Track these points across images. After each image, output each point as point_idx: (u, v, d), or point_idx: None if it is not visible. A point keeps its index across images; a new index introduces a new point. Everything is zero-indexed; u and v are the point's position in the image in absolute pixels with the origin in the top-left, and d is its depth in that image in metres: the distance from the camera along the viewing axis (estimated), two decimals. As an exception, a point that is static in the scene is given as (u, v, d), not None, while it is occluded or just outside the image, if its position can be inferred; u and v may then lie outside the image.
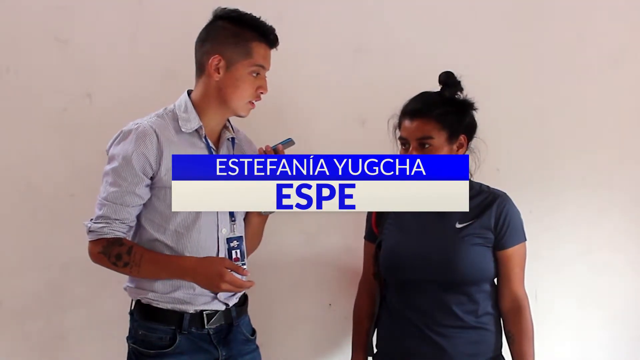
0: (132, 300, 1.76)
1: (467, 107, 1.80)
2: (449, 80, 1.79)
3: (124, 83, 2.12)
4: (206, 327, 1.71)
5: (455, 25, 2.17)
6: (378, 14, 2.16)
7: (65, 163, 2.13)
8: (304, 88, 2.15)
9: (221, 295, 1.73)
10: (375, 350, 1.91)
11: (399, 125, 1.81)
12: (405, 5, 2.17)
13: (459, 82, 1.79)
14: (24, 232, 2.13)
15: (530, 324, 1.77)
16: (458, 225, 1.76)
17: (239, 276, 1.68)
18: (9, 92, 2.11)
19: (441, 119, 1.73)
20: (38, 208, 2.13)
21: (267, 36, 1.70)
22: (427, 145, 1.73)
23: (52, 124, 2.12)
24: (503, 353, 1.82)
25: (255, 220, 1.84)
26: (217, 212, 1.72)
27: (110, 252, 1.64)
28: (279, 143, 1.77)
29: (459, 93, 1.80)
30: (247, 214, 1.84)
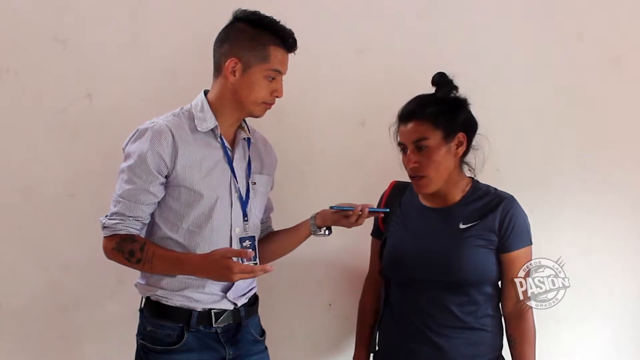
0: (142, 298, 1.76)
1: (459, 103, 1.79)
2: (441, 80, 1.78)
3: (124, 83, 2.12)
4: (214, 325, 1.72)
5: (455, 26, 2.16)
6: (378, 14, 2.16)
7: (65, 163, 2.12)
8: (304, 88, 2.15)
9: (230, 295, 1.74)
10: (377, 348, 1.91)
11: (398, 131, 1.80)
12: (405, 5, 2.17)
13: (451, 81, 1.78)
14: (24, 232, 2.13)
15: (532, 328, 1.76)
16: (461, 226, 1.75)
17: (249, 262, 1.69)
18: (9, 92, 2.11)
19: (433, 118, 1.73)
20: (38, 208, 2.12)
21: (285, 40, 1.70)
22: (423, 147, 1.73)
23: (52, 124, 2.12)
24: (504, 354, 1.82)
25: (303, 236, 1.87)
26: (231, 211, 1.73)
27: (123, 248, 1.65)
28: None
29: (454, 92, 1.79)
30: (298, 228, 1.87)
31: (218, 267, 1.62)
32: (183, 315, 1.70)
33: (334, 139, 2.18)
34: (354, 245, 2.08)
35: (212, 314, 1.72)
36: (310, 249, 1.96)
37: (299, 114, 2.16)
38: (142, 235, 1.72)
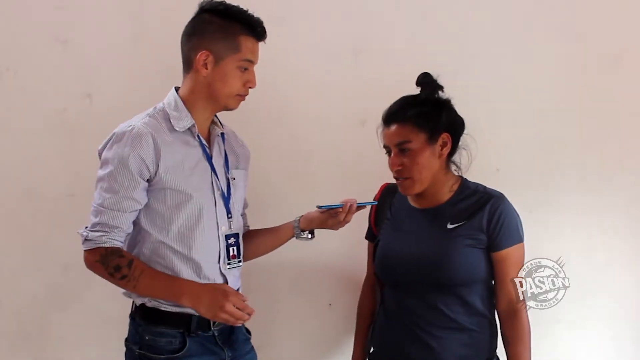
0: (132, 304, 1.73)
1: (442, 104, 1.78)
2: (425, 80, 1.78)
3: (124, 83, 2.12)
4: (212, 329, 1.69)
5: (455, 26, 2.16)
6: (378, 14, 2.16)
7: (65, 163, 2.12)
8: (304, 88, 2.15)
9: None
10: (372, 349, 1.92)
11: (382, 134, 1.80)
12: (405, 6, 2.17)
13: (435, 80, 1.78)
14: (24, 232, 2.13)
15: (526, 327, 1.75)
16: (449, 226, 1.74)
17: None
18: (9, 92, 2.11)
19: (416, 120, 1.72)
20: (38, 208, 2.12)
21: (254, 29, 1.66)
22: (406, 150, 1.72)
23: (52, 124, 2.12)
24: (499, 354, 1.81)
25: (285, 238, 1.87)
26: (216, 209, 1.71)
27: (108, 262, 1.60)
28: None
29: (438, 92, 1.78)
30: (280, 229, 1.87)
31: (213, 291, 1.62)
32: (182, 320, 1.66)
33: (334, 139, 2.18)
34: (354, 245, 2.08)
35: None
36: (310, 249, 1.96)
37: (299, 114, 2.16)
38: (131, 243, 1.68)
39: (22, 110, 2.11)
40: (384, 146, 1.79)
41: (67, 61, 2.11)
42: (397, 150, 1.74)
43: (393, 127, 1.74)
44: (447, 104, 1.78)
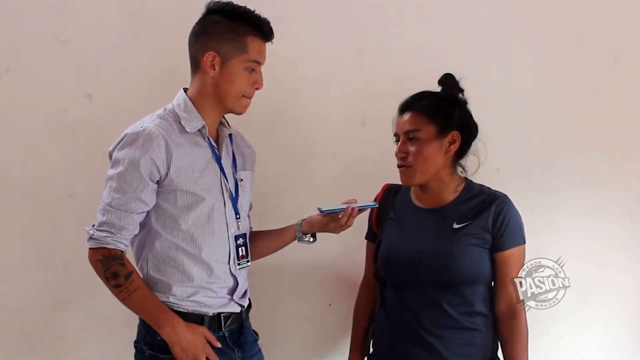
0: None
1: (458, 103, 1.79)
2: (446, 80, 1.80)
3: (124, 83, 2.12)
4: (223, 329, 1.70)
5: (455, 26, 2.16)
6: (378, 14, 2.16)
7: (64, 163, 2.12)
8: (304, 88, 2.15)
9: (236, 296, 1.73)
10: (371, 350, 1.91)
11: (395, 122, 1.82)
12: (405, 6, 2.17)
13: (458, 82, 1.80)
14: (24, 232, 2.13)
15: (524, 328, 1.75)
16: (455, 226, 1.75)
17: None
18: (9, 93, 2.11)
19: (428, 111, 1.74)
20: (38, 208, 2.12)
21: (261, 30, 1.67)
22: (414, 139, 1.74)
23: (52, 124, 2.12)
24: (498, 355, 1.82)
25: (287, 240, 1.87)
26: (225, 210, 1.71)
27: (108, 266, 1.59)
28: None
29: (458, 94, 1.80)
30: (283, 232, 1.88)
31: (196, 335, 1.61)
32: (195, 321, 1.65)
33: (334, 139, 2.18)
34: (354, 246, 2.08)
35: (222, 317, 1.70)
36: (310, 249, 1.96)
37: (299, 114, 2.16)
38: (139, 245, 1.69)
39: (22, 111, 2.11)
40: (395, 134, 1.81)
41: (67, 61, 2.11)
42: (406, 139, 1.76)
43: (406, 116, 1.77)
44: (462, 104, 1.80)
